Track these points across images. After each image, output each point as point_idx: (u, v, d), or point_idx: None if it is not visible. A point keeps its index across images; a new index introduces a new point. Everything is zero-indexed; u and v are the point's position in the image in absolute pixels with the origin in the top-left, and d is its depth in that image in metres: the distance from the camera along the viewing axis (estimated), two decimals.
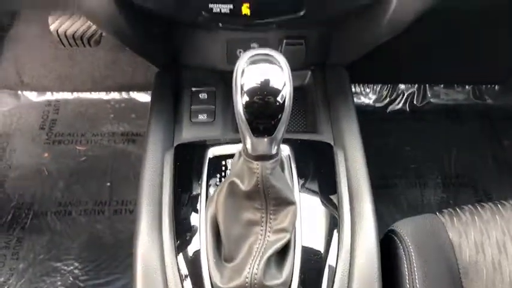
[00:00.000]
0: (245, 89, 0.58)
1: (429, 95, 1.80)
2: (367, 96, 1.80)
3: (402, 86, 1.79)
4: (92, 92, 1.74)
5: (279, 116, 0.60)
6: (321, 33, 0.89)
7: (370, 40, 0.85)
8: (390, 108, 1.79)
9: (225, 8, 0.71)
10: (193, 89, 0.94)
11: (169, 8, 0.71)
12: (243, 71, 0.59)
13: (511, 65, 1.66)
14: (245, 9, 0.71)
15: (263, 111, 0.59)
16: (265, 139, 0.61)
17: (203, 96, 0.93)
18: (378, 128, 1.65)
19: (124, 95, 1.74)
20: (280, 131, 0.61)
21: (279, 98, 0.58)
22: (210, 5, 0.71)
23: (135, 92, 1.73)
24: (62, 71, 1.68)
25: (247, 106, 0.59)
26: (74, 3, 0.76)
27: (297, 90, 0.94)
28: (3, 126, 1.67)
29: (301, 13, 0.72)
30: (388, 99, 1.80)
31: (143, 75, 1.66)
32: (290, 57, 0.62)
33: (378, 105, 1.79)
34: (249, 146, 0.62)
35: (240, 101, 0.59)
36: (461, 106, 1.80)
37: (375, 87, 1.78)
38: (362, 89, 1.79)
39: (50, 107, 1.72)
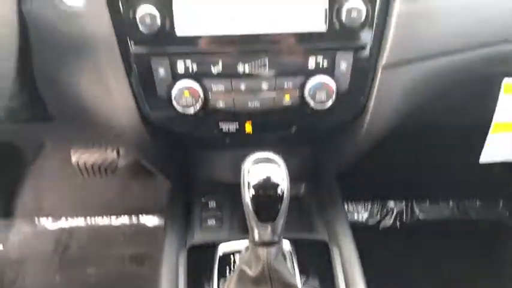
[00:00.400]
0: (251, 184, 0.72)
1: (417, 212, 1.94)
2: (359, 214, 1.94)
3: (391, 203, 1.93)
4: (104, 217, 1.88)
5: (279, 206, 0.73)
6: (311, 147, 1.06)
7: (354, 150, 1.02)
8: (382, 225, 1.92)
9: (232, 126, 0.89)
10: (203, 199, 1.09)
11: (187, 126, 0.89)
12: (249, 171, 0.74)
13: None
14: (248, 127, 0.90)
15: (266, 202, 0.73)
16: (269, 226, 0.74)
17: (212, 204, 1.08)
18: (371, 244, 1.75)
19: (134, 218, 1.87)
20: (281, 219, 0.74)
21: (279, 191, 0.72)
22: (220, 124, 0.89)
23: (145, 216, 1.87)
24: (77, 197, 1.83)
25: (253, 198, 0.72)
26: (109, 133, 0.94)
27: (294, 200, 1.08)
28: (18, 252, 1.77)
29: (293, 129, 0.90)
30: (379, 217, 1.93)
31: (152, 199, 1.81)
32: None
33: (370, 222, 1.92)
34: (255, 234, 0.75)
35: (248, 194, 0.73)
36: (447, 222, 1.92)
37: (366, 204, 1.93)
38: (355, 206, 1.93)
39: (64, 233, 1.83)
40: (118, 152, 1.66)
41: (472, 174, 1.52)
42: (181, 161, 1.10)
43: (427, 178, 1.73)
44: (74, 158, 1.63)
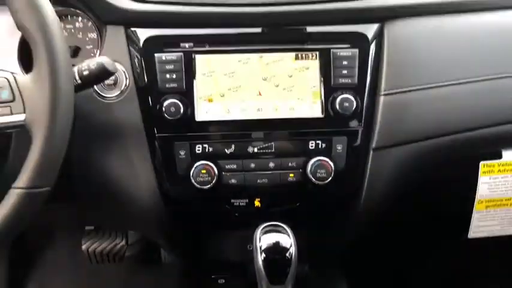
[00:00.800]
0: (262, 249, 0.81)
1: None
2: None
3: None
4: None
5: (289, 269, 0.81)
6: (313, 226, 1.15)
7: (354, 228, 1.11)
8: None
9: (243, 202, 1.00)
10: (213, 275, 1.15)
11: (203, 201, 0.99)
12: (260, 237, 0.83)
13: None
14: (257, 203, 1.00)
15: (276, 264, 0.81)
16: None
17: (221, 281, 1.14)
18: None
19: None
20: (290, 282, 0.82)
21: (287, 255, 0.81)
22: (232, 200, 1.00)
23: None
24: (84, 286, 1.84)
25: (264, 261, 0.81)
26: (129, 213, 1.04)
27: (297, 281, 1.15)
28: None
29: (297, 204, 1.01)
30: None
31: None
32: None
33: None
34: None
35: (260, 258, 0.81)
36: None
37: None
38: None
39: None
40: (127, 241, 1.72)
41: None
42: (193, 240, 1.18)
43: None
44: (84, 246, 1.68)
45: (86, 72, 0.81)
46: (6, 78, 0.71)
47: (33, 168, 0.67)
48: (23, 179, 0.67)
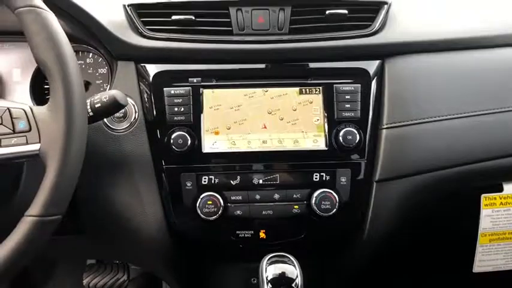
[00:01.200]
0: (269, 279, 0.82)
1: None
2: None
3: None
4: None
5: None
6: (318, 257, 1.15)
7: (358, 259, 1.11)
8: None
9: (248, 233, 1.00)
10: None
11: (208, 233, 1.00)
12: (266, 268, 0.84)
13: None
14: (262, 234, 1.01)
15: None
16: None
17: None
18: None
19: None
20: None
21: (293, 285, 0.81)
22: (237, 231, 1.00)
23: None
24: None
25: None
26: (134, 245, 1.04)
27: None
28: None
29: (302, 235, 1.01)
30: None
31: None
32: None
33: None
34: None
35: None
36: None
37: None
38: None
39: None
40: (128, 275, 1.71)
41: None
42: (197, 272, 1.18)
43: None
44: (85, 281, 1.68)
45: (98, 105, 0.84)
46: (23, 110, 0.74)
47: (46, 196, 0.69)
48: (36, 207, 0.69)
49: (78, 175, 0.74)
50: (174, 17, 1.01)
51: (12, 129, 0.72)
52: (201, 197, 0.97)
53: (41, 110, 0.74)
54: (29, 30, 0.73)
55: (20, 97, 1.09)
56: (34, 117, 0.73)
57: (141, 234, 1.01)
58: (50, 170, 0.70)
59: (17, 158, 0.72)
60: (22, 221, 0.69)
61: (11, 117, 0.73)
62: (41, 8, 0.74)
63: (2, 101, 0.77)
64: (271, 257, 0.86)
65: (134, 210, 0.99)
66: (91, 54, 1.08)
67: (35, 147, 0.72)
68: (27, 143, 0.72)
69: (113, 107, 0.86)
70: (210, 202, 0.96)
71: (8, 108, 0.73)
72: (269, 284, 0.82)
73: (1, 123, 0.72)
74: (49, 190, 0.69)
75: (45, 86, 1.10)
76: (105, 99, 0.85)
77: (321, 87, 1.01)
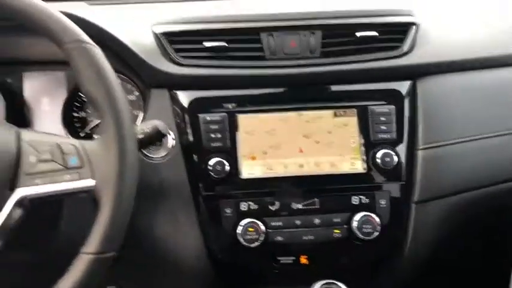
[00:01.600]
0: None
1: None
2: None
3: None
4: None
5: None
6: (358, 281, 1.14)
7: (398, 281, 1.10)
8: None
9: (289, 260, 0.99)
10: None
11: (250, 259, 0.98)
12: None
13: None
14: (303, 260, 1.00)
15: None
16: None
17: None
18: None
19: None
20: None
21: None
22: (278, 257, 0.99)
23: None
24: None
25: None
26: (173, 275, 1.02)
27: None
28: None
29: (344, 260, 1.00)
30: None
31: None
32: None
33: None
34: None
35: None
36: None
37: None
38: None
39: None
40: None
41: None
42: None
43: None
44: None
45: (141, 136, 0.83)
46: (74, 145, 0.73)
47: (102, 233, 0.68)
48: (93, 244, 0.68)
49: (131, 210, 0.73)
50: (206, 44, 1.01)
51: (64, 165, 0.71)
52: (242, 223, 0.96)
53: (92, 146, 0.73)
54: (77, 65, 0.73)
55: (50, 126, 1.08)
56: (86, 153, 0.72)
57: (180, 262, 0.99)
58: (105, 206, 0.69)
59: (71, 193, 0.71)
60: (79, 258, 0.68)
61: (62, 153, 0.72)
62: (89, 43, 0.74)
63: (48, 136, 0.76)
64: (323, 285, 0.85)
65: (173, 238, 0.98)
66: (124, 83, 1.07)
67: (89, 183, 0.71)
68: (79, 179, 0.71)
69: (156, 137, 0.85)
70: (252, 229, 0.95)
71: (58, 144, 0.72)
72: None
73: (52, 160, 0.71)
74: (105, 227, 0.68)
75: (75, 115, 1.09)
76: (147, 130, 0.84)
77: (355, 110, 1.01)
